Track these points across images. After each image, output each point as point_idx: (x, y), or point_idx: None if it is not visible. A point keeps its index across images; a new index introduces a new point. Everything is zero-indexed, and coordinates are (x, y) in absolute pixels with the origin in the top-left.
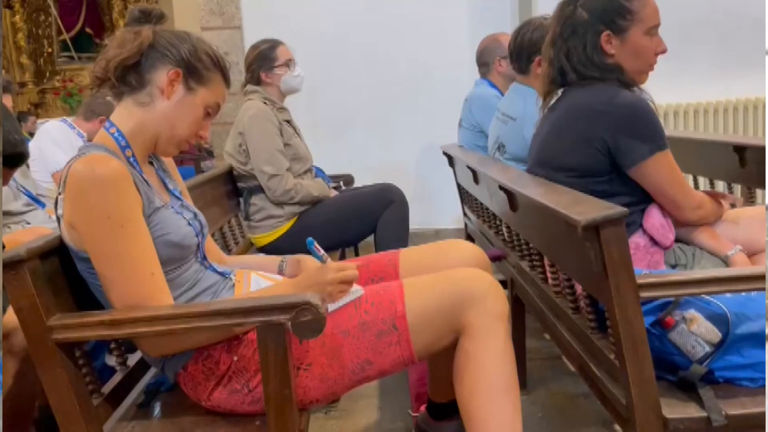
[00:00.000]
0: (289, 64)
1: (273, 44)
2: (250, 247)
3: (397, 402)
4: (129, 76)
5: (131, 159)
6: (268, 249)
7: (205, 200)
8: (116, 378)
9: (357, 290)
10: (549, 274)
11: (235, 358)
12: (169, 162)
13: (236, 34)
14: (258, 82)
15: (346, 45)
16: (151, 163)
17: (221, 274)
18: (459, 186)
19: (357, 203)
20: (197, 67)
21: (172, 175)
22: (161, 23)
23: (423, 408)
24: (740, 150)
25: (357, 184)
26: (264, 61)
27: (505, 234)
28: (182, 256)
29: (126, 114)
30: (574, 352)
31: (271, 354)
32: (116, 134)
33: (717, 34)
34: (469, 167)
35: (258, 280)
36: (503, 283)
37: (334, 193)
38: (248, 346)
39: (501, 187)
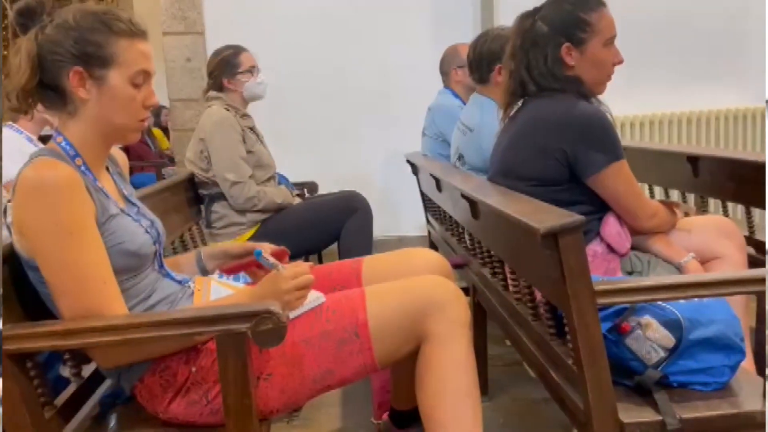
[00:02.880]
0: (252, 70)
1: (236, 50)
2: None
3: (359, 410)
4: (42, 95)
5: (82, 167)
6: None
7: (166, 207)
8: (70, 389)
9: (318, 298)
10: (510, 282)
11: (194, 369)
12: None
13: (199, 40)
14: (220, 88)
15: (310, 52)
16: (107, 168)
17: (180, 282)
18: (423, 194)
19: (321, 211)
20: (93, 53)
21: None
22: (50, 17)
23: (386, 416)
24: (693, 160)
25: (321, 191)
26: (227, 67)
27: (468, 242)
28: (139, 265)
29: (64, 125)
30: (534, 359)
31: (230, 364)
32: (63, 143)
33: (673, 47)
34: (432, 175)
35: (218, 288)
36: (465, 291)
37: (297, 200)
38: (207, 357)
39: (463, 196)
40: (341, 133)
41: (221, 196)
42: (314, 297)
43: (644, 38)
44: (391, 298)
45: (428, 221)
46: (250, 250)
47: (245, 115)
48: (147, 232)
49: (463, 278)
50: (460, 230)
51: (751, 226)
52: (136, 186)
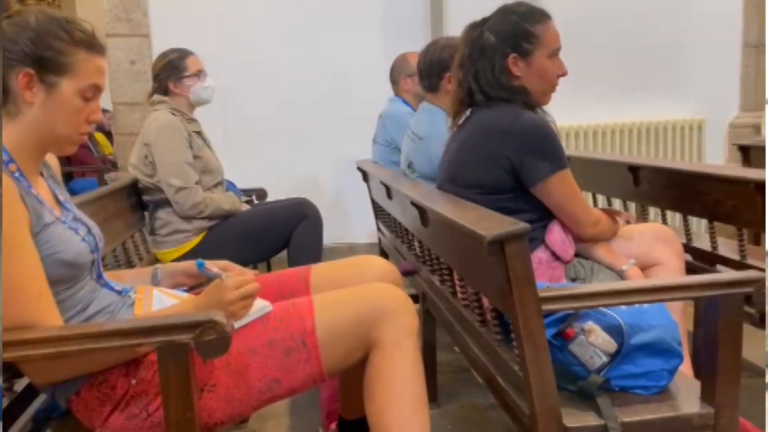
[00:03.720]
0: (199, 74)
1: (182, 54)
2: (154, 263)
3: (307, 420)
4: None
5: (16, 174)
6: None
7: (107, 214)
8: (2, 404)
9: (264, 306)
10: (458, 288)
11: (134, 382)
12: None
13: (144, 43)
14: (166, 92)
15: (260, 57)
16: (41, 173)
17: (119, 292)
18: (373, 201)
19: (270, 218)
20: (48, 57)
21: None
22: (8, 13)
23: (334, 425)
24: (634, 170)
25: (270, 198)
26: (172, 70)
27: (417, 249)
28: (75, 275)
29: (3, 128)
30: (482, 365)
31: (172, 376)
32: None
33: (616, 61)
34: (382, 183)
35: (161, 297)
36: (415, 298)
37: (245, 207)
38: (148, 369)
39: (413, 203)
40: (291, 140)
41: (166, 203)
42: (261, 306)
43: (588, 51)
44: (340, 306)
45: (379, 229)
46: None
47: (192, 120)
48: (84, 240)
49: (412, 285)
50: (410, 237)
51: (688, 234)
52: (76, 192)
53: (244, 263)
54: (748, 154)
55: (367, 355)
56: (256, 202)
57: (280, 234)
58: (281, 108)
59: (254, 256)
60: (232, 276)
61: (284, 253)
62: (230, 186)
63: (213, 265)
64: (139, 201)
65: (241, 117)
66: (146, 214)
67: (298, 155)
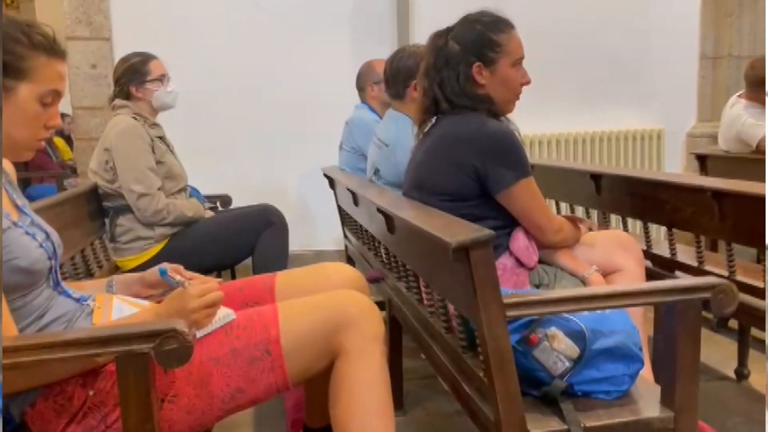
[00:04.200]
0: (162, 79)
1: (145, 58)
2: (115, 271)
3: (272, 429)
4: None
5: None
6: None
7: (65, 220)
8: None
9: (228, 315)
10: (424, 295)
11: (91, 393)
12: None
13: (105, 46)
14: (127, 96)
15: (225, 62)
16: None
17: (77, 300)
18: (340, 208)
19: (234, 224)
20: (8, 62)
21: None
22: None
23: None
24: (596, 178)
25: (235, 205)
26: (135, 74)
27: (384, 256)
28: (32, 282)
29: None
30: (447, 371)
31: (131, 386)
32: None
33: (578, 71)
34: (349, 189)
35: (121, 306)
36: (381, 305)
37: (209, 213)
38: (106, 379)
39: (379, 210)
40: (257, 145)
41: (127, 209)
42: (224, 314)
43: (551, 62)
44: (305, 314)
45: (345, 235)
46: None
47: (154, 125)
48: (41, 246)
49: (379, 292)
50: (377, 244)
51: (648, 241)
52: (34, 198)
53: (208, 271)
54: (705, 162)
55: (333, 362)
56: (220, 208)
57: (245, 241)
58: (247, 113)
59: (218, 263)
60: (195, 284)
61: (249, 260)
62: (194, 192)
63: (175, 272)
64: (99, 207)
65: (205, 122)
66: (106, 220)
67: (263, 161)
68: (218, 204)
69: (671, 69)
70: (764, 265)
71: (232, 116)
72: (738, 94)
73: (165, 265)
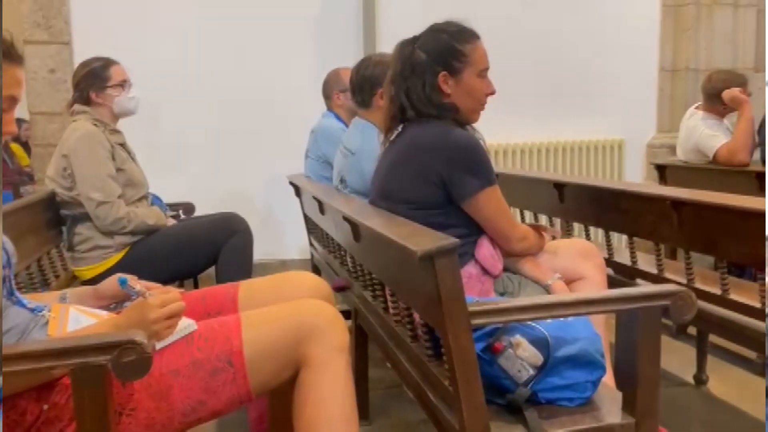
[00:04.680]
0: (123, 84)
1: (106, 63)
2: (72, 281)
3: None
4: None
5: None
6: (95, 282)
7: (21, 228)
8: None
9: (189, 325)
10: (390, 304)
11: (46, 407)
12: None
13: (65, 50)
14: (87, 102)
15: (189, 68)
16: None
17: (32, 310)
18: (305, 216)
19: (197, 233)
20: None
21: None
22: None
23: None
24: (559, 187)
25: (198, 213)
26: (95, 80)
27: (350, 264)
28: None
29: None
30: (413, 380)
31: (88, 400)
32: None
33: (542, 83)
34: (315, 198)
35: (77, 317)
36: (347, 313)
37: (172, 222)
38: (62, 393)
39: (345, 218)
40: (221, 153)
41: (86, 217)
42: (185, 325)
43: (516, 73)
44: (268, 324)
45: (311, 244)
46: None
47: (115, 131)
48: None
49: (345, 301)
50: (342, 253)
51: (609, 249)
52: None
53: (170, 280)
54: (664, 172)
55: (297, 373)
56: (183, 216)
57: (208, 249)
58: (210, 120)
59: (180, 272)
60: (156, 294)
61: (213, 269)
62: (155, 200)
63: (136, 283)
64: (57, 215)
65: (168, 129)
66: (64, 229)
67: (228, 169)
68: (181, 212)
69: (632, 81)
70: (763, 287)
71: (196, 123)
72: (695, 106)
73: (125, 275)
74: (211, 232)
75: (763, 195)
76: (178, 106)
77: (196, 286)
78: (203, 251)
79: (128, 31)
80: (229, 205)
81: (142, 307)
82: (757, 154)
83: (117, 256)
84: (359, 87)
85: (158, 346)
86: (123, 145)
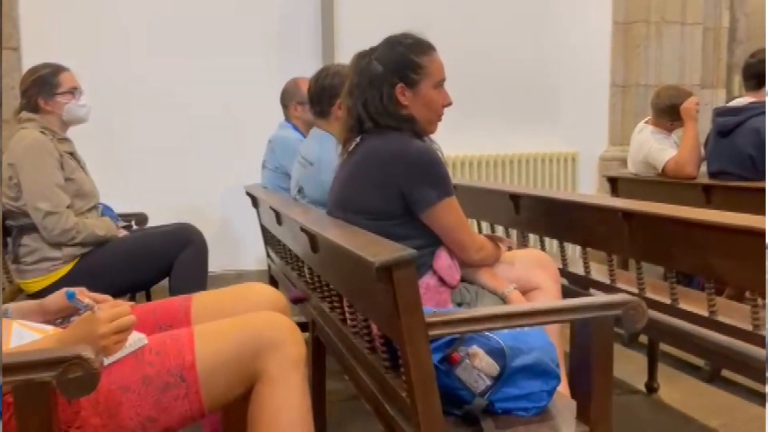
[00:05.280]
0: (74, 92)
1: (55, 69)
2: (17, 294)
3: None
4: None
5: None
6: (42, 295)
7: None
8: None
9: (139, 339)
10: (348, 315)
11: None
12: None
13: (13, 56)
14: (35, 109)
15: (143, 75)
16: None
17: None
18: (262, 227)
19: (150, 244)
20: None
21: None
22: None
23: None
24: (515, 198)
25: (152, 223)
26: (44, 86)
27: (308, 276)
28: None
29: None
30: (370, 392)
31: (31, 418)
32: None
33: (498, 96)
34: (272, 208)
35: (21, 332)
36: (305, 326)
37: (123, 232)
38: (4, 411)
39: (302, 229)
40: (175, 162)
41: (32, 228)
42: (135, 339)
43: (473, 85)
44: (222, 337)
45: (268, 255)
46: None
47: (64, 139)
48: None
49: (302, 313)
50: (300, 264)
51: (564, 259)
52: None
53: (121, 293)
54: (616, 185)
55: (252, 387)
56: (135, 227)
57: (161, 261)
58: (165, 129)
59: (132, 285)
60: (105, 308)
61: (166, 281)
62: (106, 210)
63: (84, 296)
64: (2, 226)
65: (120, 137)
66: (9, 240)
67: (182, 178)
68: (133, 222)
69: (585, 96)
70: (712, 296)
71: (149, 131)
72: (645, 120)
73: (73, 289)
74: (165, 243)
75: (709, 206)
76: (131, 114)
77: (148, 299)
78: (156, 263)
79: (79, 37)
80: (183, 216)
81: (91, 321)
82: (703, 167)
83: (65, 269)
84: (317, 97)
85: (106, 361)
86: (72, 153)
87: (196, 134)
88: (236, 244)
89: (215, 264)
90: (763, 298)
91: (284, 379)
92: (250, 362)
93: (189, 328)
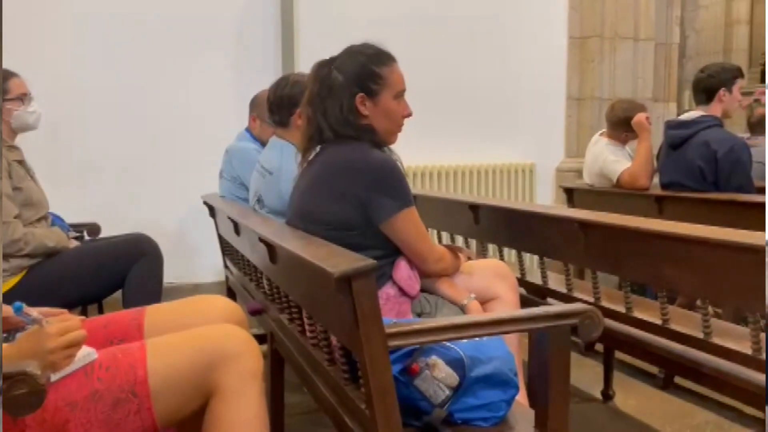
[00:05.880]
0: (23, 98)
1: (4, 75)
2: None
3: None
4: None
5: None
6: None
7: None
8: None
9: (89, 354)
10: (307, 327)
11: None
12: None
13: None
14: None
15: (96, 81)
16: None
17: None
18: (220, 237)
19: (102, 255)
20: None
21: None
22: None
23: None
24: (474, 209)
25: (105, 234)
26: None
27: (266, 287)
28: None
29: None
30: (329, 405)
31: None
32: None
33: (458, 108)
34: (230, 218)
35: None
36: (263, 338)
37: (75, 243)
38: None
39: (261, 239)
40: (130, 171)
41: None
42: (84, 353)
43: (433, 98)
44: (176, 351)
45: (226, 266)
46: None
47: (12, 147)
48: None
49: (261, 325)
50: (258, 275)
51: (522, 269)
52: None
53: (72, 306)
54: (572, 195)
55: (207, 402)
56: (87, 238)
57: (114, 273)
58: (119, 138)
59: (83, 297)
60: (54, 322)
61: (119, 293)
62: (56, 220)
63: (32, 309)
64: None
65: (71, 146)
66: None
67: (137, 187)
68: (85, 233)
69: (542, 108)
70: (665, 305)
71: (102, 139)
72: (600, 132)
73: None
74: (118, 254)
75: (662, 217)
76: (83, 122)
77: (100, 312)
78: (108, 275)
79: (30, 41)
80: (137, 226)
81: (39, 335)
82: (656, 179)
83: (12, 281)
84: (277, 107)
85: (54, 377)
86: (21, 162)
87: (152, 142)
88: (193, 254)
89: (171, 275)
90: (715, 306)
91: (240, 393)
92: (205, 376)
93: (141, 341)
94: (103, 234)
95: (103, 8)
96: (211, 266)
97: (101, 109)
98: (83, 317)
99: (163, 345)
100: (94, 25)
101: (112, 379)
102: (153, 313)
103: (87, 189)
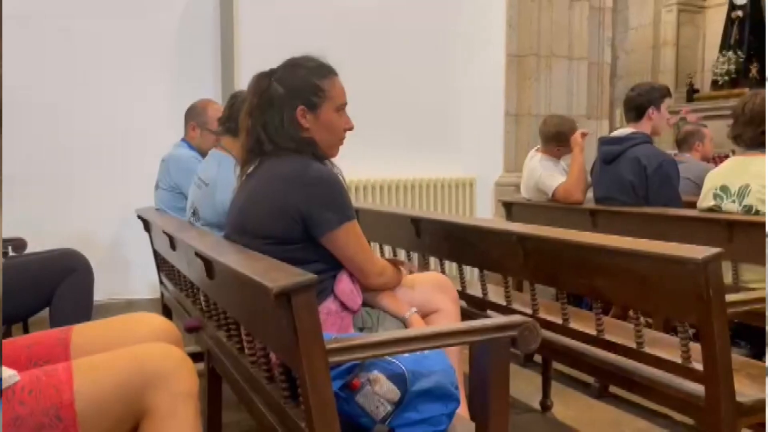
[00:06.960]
0: None
1: None
2: None
3: None
4: None
5: None
6: None
7: None
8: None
9: (10, 377)
10: (246, 344)
11: None
12: None
13: None
14: None
15: (22, 89)
16: None
17: None
18: (155, 252)
19: (28, 271)
20: None
21: None
22: None
23: None
24: (416, 222)
25: (31, 249)
26: None
27: (203, 303)
28: None
29: None
30: (269, 424)
31: None
32: None
33: (400, 122)
34: (165, 232)
35: None
36: (200, 356)
37: None
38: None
39: (197, 254)
40: (58, 183)
41: None
42: (6, 376)
43: (374, 112)
44: (105, 372)
45: (161, 282)
46: None
47: None
48: None
49: (198, 342)
50: (195, 291)
51: (462, 282)
52: None
53: None
54: (511, 209)
55: (138, 424)
56: (12, 253)
57: (41, 289)
58: (46, 146)
59: (7, 315)
60: None
61: (47, 311)
62: None
63: None
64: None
65: None
66: None
67: (66, 200)
68: (10, 248)
69: (481, 124)
70: (600, 318)
71: (29, 148)
72: (536, 148)
73: None
74: (45, 269)
75: (595, 230)
76: (8, 130)
77: (26, 331)
78: (35, 291)
79: None
80: (67, 241)
81: None
82: (590, 193)
83: None
84: (233, 118)
85: None
86: None
87: (82, 153)
88: (126, 270)
89: (102, 292)
90: (647, 317)
91: (174, 413)
92: (137, 397)
93: (68, 362)
94: (29, 249)
95: (29, 10)
96: (146, 282)
97: (29, 116)
98: (6, 338)
99: (91, 365)
100: (17, 30)
101: (35, 403)
102: (81, 332)
103: (11, 202)
